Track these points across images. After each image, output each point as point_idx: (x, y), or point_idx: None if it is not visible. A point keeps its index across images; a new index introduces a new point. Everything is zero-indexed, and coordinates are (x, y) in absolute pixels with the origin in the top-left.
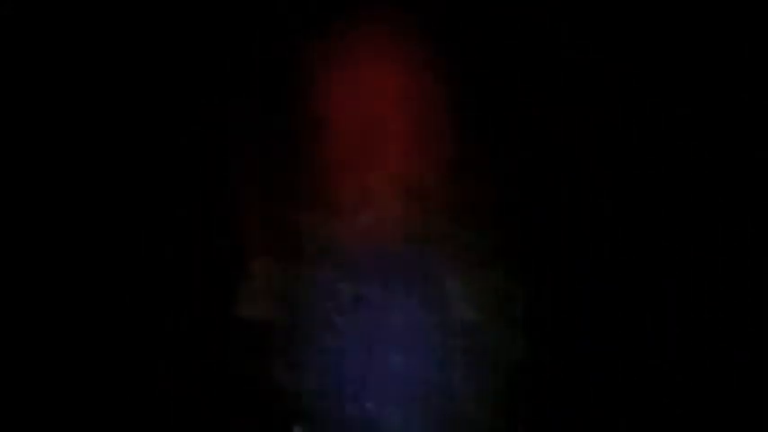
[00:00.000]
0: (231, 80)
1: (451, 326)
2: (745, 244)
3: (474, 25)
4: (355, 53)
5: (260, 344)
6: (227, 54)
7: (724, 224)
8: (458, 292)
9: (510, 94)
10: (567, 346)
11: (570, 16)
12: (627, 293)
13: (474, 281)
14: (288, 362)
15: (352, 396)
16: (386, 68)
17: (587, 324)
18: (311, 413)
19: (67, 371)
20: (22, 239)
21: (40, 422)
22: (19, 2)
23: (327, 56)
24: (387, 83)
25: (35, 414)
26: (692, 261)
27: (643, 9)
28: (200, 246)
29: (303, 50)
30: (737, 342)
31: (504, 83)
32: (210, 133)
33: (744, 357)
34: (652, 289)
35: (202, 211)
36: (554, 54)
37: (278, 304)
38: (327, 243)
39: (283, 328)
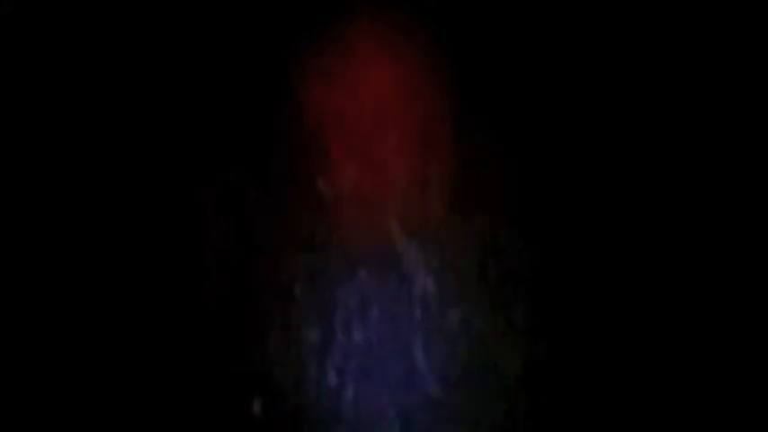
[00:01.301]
0: (227, 80)
1: (418, 302)
2: (750, 242)
3: (475, 24)
4: (354, 53)
5: (220, 319)
6: (223, 54)
7: (728, 223)
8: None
9: (510, 94)
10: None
11: (572, 15)
12: (629, 293)
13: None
14: (248, 335)
15: (314, 368)
16: (384, 68)
17: (584, 321)
18: (272, 386)
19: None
20: (20, 240)
21: (38, 421)
22: (19, 2)
23: (325, 55)
24: (385, 82)
25: (33, 413)
26: (693, 262)
27: (643, 9)
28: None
29: (301, 50)
30: (748, 344)
31: (504, 82)
32: (205, 133)
33: (757, 360)
34: (653, 291)
35: (194, 209)
36: (554, 53)
37: (238, 278)
38: (315, 231)
39: (245, 302)
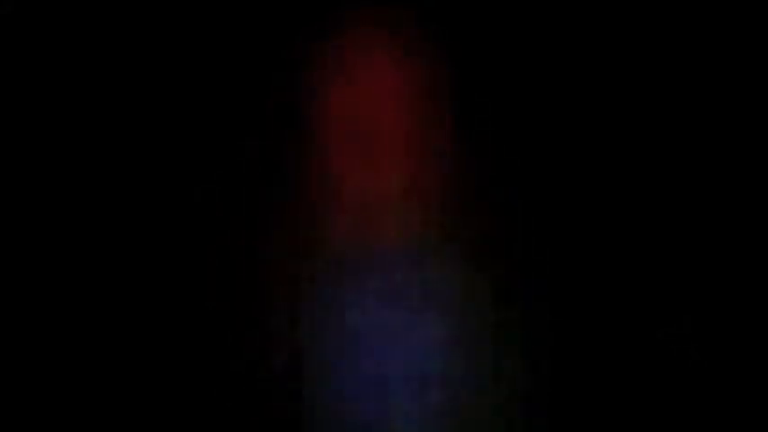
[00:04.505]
0: (226, 81)
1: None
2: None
3: (475, 24)
4: (353, 53)
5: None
6: (222, 55)
7: (729, 226)
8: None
9: (510, 94)
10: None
11: (572, 14)
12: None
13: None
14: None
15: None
16: (383, 68)
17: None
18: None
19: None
20: (17, 232)
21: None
22: (19, 2)
23: (324, 55)
24: (385, 82)
25: (35, 413)
26: (697, 265)
27: (643, 9)
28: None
29: (299, 50)
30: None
31: (504, 82)
32: (205, 135)
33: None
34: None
35: (192, 212)
36: (555, 53)
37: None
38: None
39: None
